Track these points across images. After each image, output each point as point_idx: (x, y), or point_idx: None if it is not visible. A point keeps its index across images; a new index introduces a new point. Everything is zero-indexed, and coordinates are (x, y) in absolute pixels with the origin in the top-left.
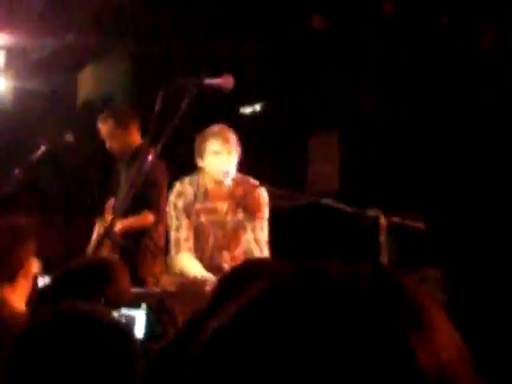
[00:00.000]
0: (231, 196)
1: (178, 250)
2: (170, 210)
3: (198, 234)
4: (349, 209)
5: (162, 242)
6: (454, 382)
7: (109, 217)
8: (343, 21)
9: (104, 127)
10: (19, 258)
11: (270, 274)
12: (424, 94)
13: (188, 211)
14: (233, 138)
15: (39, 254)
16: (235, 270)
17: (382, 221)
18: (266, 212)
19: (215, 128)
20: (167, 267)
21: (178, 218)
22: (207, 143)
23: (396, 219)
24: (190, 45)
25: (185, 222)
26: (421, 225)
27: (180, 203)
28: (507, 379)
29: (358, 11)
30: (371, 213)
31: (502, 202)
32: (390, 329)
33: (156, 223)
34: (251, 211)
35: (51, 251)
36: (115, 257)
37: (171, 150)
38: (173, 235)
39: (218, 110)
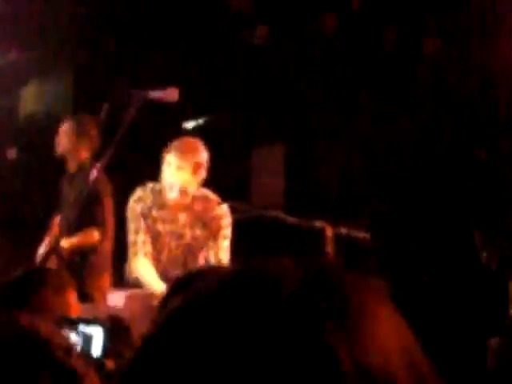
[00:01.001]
0: (190, 209)
1: (136, 253)
2: (129, 213)
3: (154, 243)
4: (296, 221)
5: (108, 258)
6: (397, 375)
7: (56, 233)
8: (286, 34)
9: (62, 132)
10: None
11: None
12: (366, 108)
13: (146, 217)
14: (197, 155)
15: None
16: (181, 279)
17: (328, 232)
18: (229, 231)
19: (182, 141)
20: (123, 275)
21: (136, 222)
22: (168, 154)
23: (342, 230)
24: (134, 58)
25: (143, 227)
26: (366, 236)
27: (139, 208)
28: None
29: (300, 26)
30: (318, 224)
31: (442, 215)
32: (311, 328)
33: (102, 239)
34: (212, 229)
35: None
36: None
37: (120, 162)
38: (131, 238)
39: (161, 125)
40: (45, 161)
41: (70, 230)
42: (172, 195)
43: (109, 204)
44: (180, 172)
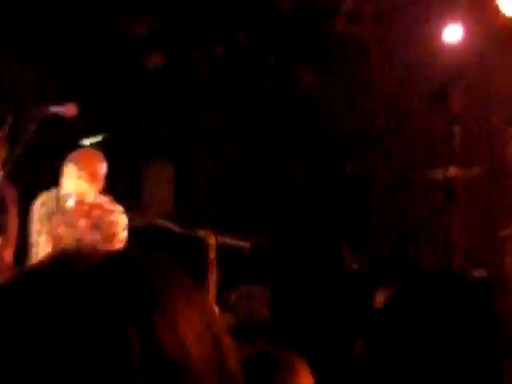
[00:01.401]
0: (89, 215)
1: (38, 253)
2: (33, 215)
3: (54, 246)
4: (180, 229)
5: (10, 265)
6: (196, 361)
7: None
8: (181, 58)
9: None
10: None
11: None
12: (254, 126)
13: (48, 220)
14: (94, 164)
15: None
16: None
17: (211, 240)
18: (123, 235)
19: (80, 152)
20: None
21: (39, 224)
22: (66, 164)
23: (223, 239)
24: (35, 74)
25: (46, 229)
26: (246, 245)
27: (43, 210)
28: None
29: (193, 50)
30: (200, 233)
31: (319, 225)
32: (134, 312)
33: (4, 246)
34: (108, 234)
35: None
36: None
37: (22, 173)
38: (33, 239)
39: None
40: None
41: None
42: (70, 203)
43: (13, 210)
44: (78, 181)
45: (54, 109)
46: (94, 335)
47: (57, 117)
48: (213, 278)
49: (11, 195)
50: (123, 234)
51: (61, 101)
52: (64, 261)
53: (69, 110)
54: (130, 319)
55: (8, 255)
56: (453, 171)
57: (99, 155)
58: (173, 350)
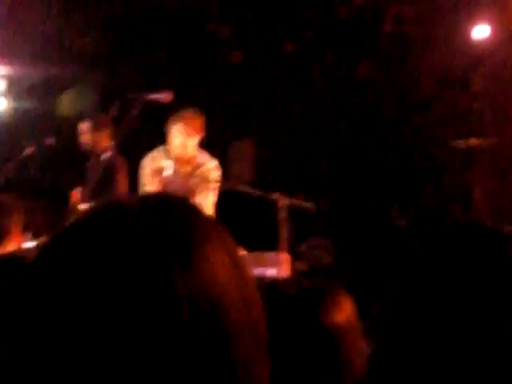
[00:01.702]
0: (191, 165)
1: None
2: (143, 169)
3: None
4: (257, 193)
5: None
6: (224, 311)
7: (76, 200)
8: (257, 55)
9: (85, 127)
10: (5, 226)
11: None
12: (319, 109)
13: (155, 174)
14: (197, 121)
15: (28, 228)
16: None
17: (281, 202)
18: (216, 184)
19: (181, 112)
20: None
21: (149, 176)
22: (171, 123)
23: (292, 201)
24: (137, 70)
25: (155, 180)
26: (311, 206)
27: (154, 164)
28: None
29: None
30: (274, 196)
31: (372, 190)
32: (155, 264)
33: None
34: (204, 180)
35: (38, 227)
36: None
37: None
38: (144, 189)
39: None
40: (75, 147)
41: (91, 197)
42: (177, 153)
43: (123, 179)
44: (185, 134)
45: (154, 95)
46: (143, 271)
47: (156, 102)
48: (284, 233)
49: (120, 161)
50: (216, 182)
51: (159, 89)
52: (122, 205)
53: (166, 96)
54: (174, 258)
55: None
56: (472, 141)
57: (199, 112)
58: (209, 287)
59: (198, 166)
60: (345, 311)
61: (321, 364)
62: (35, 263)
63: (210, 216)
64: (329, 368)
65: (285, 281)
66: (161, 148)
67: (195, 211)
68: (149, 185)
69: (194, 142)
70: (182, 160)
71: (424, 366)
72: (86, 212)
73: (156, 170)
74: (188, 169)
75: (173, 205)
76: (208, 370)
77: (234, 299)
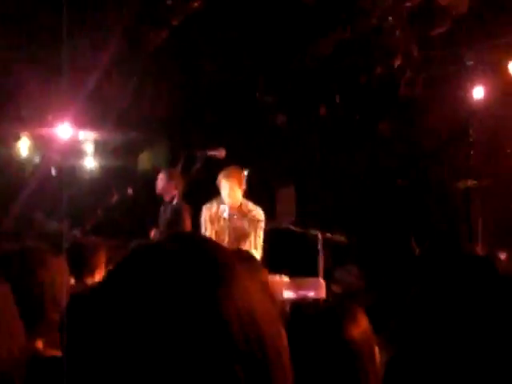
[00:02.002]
0: (240, 211)
1: None
2: (202, 216)
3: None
4: (299, 229)
5: None
6: (254, 327)
7: (153, 239)
8: (298, 117)
9: (160, 178)
10: (93, 262)
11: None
12: (345, 160)
13: (211, 219)
14: (238, 176)
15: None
16: None
17: (319, 236)
18: (262, 224)
19: (225, 170)
20: None
21: (205, 222)
22: (220, 180)
23: (328, 235)
24: (200, 134)
25: (209, 225)
26: (343, 239)
27: (208, 212)
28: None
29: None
30: (312, 232)
31: (393, 225)
32: (199, 285)
33: None
34: (253, 222)
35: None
36: None
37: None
38: (202, 231)
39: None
40: (150, 196)
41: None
42: (229, 203)
43: (187, 221)
44: (231, 187)
45: (212, 152)
46: (196, 298)
47: (213, 157)
48: (321, 262)
49: (185, 207)
50: (262, 224)
51: (216, 147)
52: (172, 244)
53: (220, 153)
54: (218, 286)
55: None
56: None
57: (239, 168)
58: (246, 307)
59: (248, 211)
60: (361, 326)
61: (340, 373)
62: (102, 289)
63: (233, 251)
64: (347, 377)
65: (312, 301)
66: (217, 198)
67: (219, 246)
68: (207, 229)
69: (238, 192)
70: (233, 207)
71: (433, 372)
72: (145, 248)
73: (213, 217)
74: (239, 214)
75: (202, 242)
76: (249, 376)
77: (265, 316)
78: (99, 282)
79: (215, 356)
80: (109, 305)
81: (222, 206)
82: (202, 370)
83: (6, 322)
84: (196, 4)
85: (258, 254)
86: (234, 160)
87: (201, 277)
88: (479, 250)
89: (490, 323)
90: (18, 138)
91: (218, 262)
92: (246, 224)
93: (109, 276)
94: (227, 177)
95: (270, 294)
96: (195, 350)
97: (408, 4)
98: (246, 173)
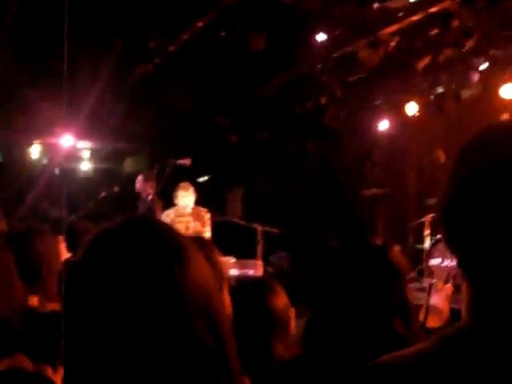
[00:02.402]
0: (193, 213)
1: None
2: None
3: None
4: (243, 223)
5: None
6: (208, 297)
7: None
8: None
9: (139, 179)
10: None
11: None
12: (289, 172)
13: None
14: (190, 189)
15: None
16: None
17: (259, 229)
18: (208, 223)
19: (181, 185)
20: None
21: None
22: (177, 191)
23: (265, 228)
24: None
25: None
26: (277, 231)
27: (167, 219)
28: None
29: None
30: (254, 225)
31: (316, 222)
32: (159, 263)
33: None
34: (202, 222)
35: None
36: None
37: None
38: None
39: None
40: (131, 193)
41: None
42: (187, 210)
43: (159, 214)
44: (186, 197)
45: (180, 161)
46: (154, 270)
47: (181, 165)
48: (260, 249)
49: (158, 202)
50: (209, 221)
51: (184, 157)
52: (132, 226)
53: (187, 161)
54: (173, 261)
55: None
56: (374, 190)
57: (190, 185)
58: (198, 280)
59: (198, 212)
60: (281, 298)
61: (263, 332)
62: (83, 260)
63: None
64: (268, 336)
65: (251, 278)
66: (174, 206)
67: (174, 230)
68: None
69: (191, 200)
70: (187, 211)
71: (338, 330)
72: (114, 225)
73: (172, 220)
74: (192, 216)
75: (162, 226)
76: (200, 338)
77: (212, 287)
78: (81, 254)
79: (173, 315)
80: (88, 270)
81: (179, 210)
82: (162, 327)
83: (8, 281)
84: (172, 48)
85: None
86: (197, 168)
87: (161, 253)
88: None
89: (379, 293)
90: (30, 144)
91: (173, 243)
92: (197, 223)
93: (86, 250)
94: (183, 189)
95: (219, 270)
96: (159, 312)
97: (334, 55)
98: (205, 178)
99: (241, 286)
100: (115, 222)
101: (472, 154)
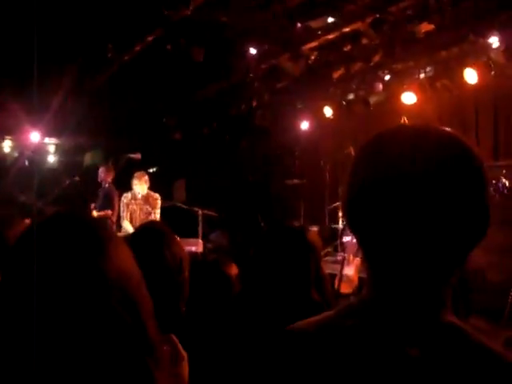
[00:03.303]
0: (145, 198)
1: (124, 218)
2: (122, 203)
3: (131, 214)
4: (186, 207)
5: (114, 224)
6: (129, 281)
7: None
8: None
9: (101, 171)
10: None
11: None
12: (223, 168)
13: (128, 206)
14: (144, 177)
15: None
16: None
17: (200, 212)
18: (159, 208)
19: (137, 174)
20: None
21: (123, 207)
22: (133, 179)
23: (205, 211)
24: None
25: (127, 209)
26: (215, 214)
27: (125, 200)
28: None
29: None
30: (196, 209)
31: (249, 207)
32: (82, 252)
33: (113, 214)
34: (153, 206)
35: None
36: None
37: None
38: (121, 214)
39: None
40: (91, 182)
41: (99, 209)
42: (139, 196)
43: (116, 200)
44: (140, 185)
45: (132, 155)
46: (78, 259)
47: (133, 159)
48: (200, 228)
49: (114, 190)
50: (159, 204)
51: (135, 151)
52: (60, 219)
53: (137, 156)
54: (94, 251)
55: (114, 219)
56: (296, 181)
57: (144, 174)
58: (121, 268)
59: (150, 197)
60: (233, 268)
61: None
62: (18, 244)
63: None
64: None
65: (199, 255)
66: (132, 190)
67: (99, 224)
68: (124, 210)
69: (144, 186)
70: (141, 195)
71: (257, 296)
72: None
73: (129, 202)
74: (145, 200)
75: (88, 220)
76: (119, 316)
77: (137, 276)
78: (14, 244)
79: (95, 297)
80: (18, 257)
81: (134, 194)
82: (86, 306)
83: None
84: (126, 57)
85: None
86: (147, 161)
87: (83, 243)
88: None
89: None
90: (3, 139)
91: (96, 235)
92: (149, 206)
93: (17, 240)
94: (137, 178)
95: (178, 252)
96: (83, 294)
97: (263, 66)
98: (154, 169)
99: (204, 260)
100: (47, 215)
101: (362, 162)
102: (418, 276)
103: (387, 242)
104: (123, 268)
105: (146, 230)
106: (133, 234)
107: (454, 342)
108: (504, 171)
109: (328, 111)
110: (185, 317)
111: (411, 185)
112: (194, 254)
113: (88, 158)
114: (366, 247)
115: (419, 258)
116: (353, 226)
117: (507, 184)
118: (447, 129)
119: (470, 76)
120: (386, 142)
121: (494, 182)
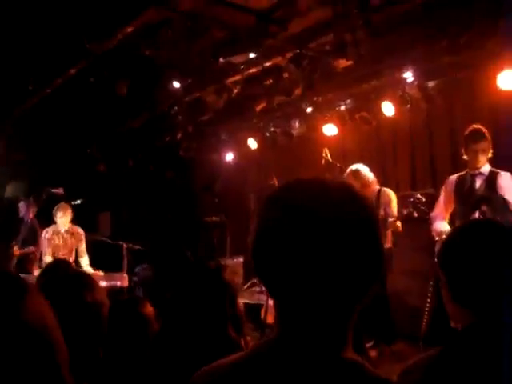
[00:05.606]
0: (69, 231)
1: (45, 255)
2: (43, 237)
3: (53, 251)
4: (111, 241)
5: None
6: (50, 332)
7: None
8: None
9: (21, 205)
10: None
11: None
12: (151, 201)
13: (50, 240)
14: (68, 209)
15: None
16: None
17: (124, 246)
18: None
19: (59, 206)
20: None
21: (45, 241)
22: (56, 211)
23: (129, 245)
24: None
25: (48, 244)
26: (140, 247)
27: (47, 235)
28: None
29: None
30: (120, 243)
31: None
32: (7, 298)
33: (36, 251)
34: (80, 241)
35: None
36: None
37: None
38: (43, 250)
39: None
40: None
41: (21, 245)
42: (62, 231)
43: (39, 232)
44: (65, 217)
45: (54, 190)
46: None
47: (55, 194)
48: (125, 262)
49: (36, 224)
50: (83, 237)
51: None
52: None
53: (60, 190)
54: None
55: (37, 256)
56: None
57: (68, 207)
58: (40, 319)
59: (74, 230)
60: (148, 308)
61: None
62: None
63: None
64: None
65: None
66: (54, 224)
67: (16, 276)
68: (47, 246)
69: (67, 219)
70: (64, 229)
71: (181, 328)
72: None
73: (50, 237)
74: (69, 233)
75: (11, 273)
76: (38, 349)
77: (54, 324)
78: None
79: (15, 345)
80: None
81: (57, 229)
82: (12, 350)
83: None
84: (49, 90)
85: (86, 257)
86: (71, 193)
87: (8, 293)
88: (226, 258)
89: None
90: None
91: (17, 285)
92: (73, 239)
93: None
94: (61, 210)
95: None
96: (8, 335)
97: (186, 99)
98: (78, 202)
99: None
100: None
101: (264, 213)
102: (319, 316)
103: (287, 285)
104: (39, 317)
105: (63, 274)
106: (50, 277)
107: (352, 379)
108: (424, 199)
109: (252, 143)
110: (102, 360)
111: (309, 233)
112: (118, 289)
113: (9, 191)
114: (271, 290)
115: (318, 300)
116: (258, 272)
117: (423, 199)
118: (344, 182)
119: (387, 109)
120: (286, 196)
121: (411, 200)
